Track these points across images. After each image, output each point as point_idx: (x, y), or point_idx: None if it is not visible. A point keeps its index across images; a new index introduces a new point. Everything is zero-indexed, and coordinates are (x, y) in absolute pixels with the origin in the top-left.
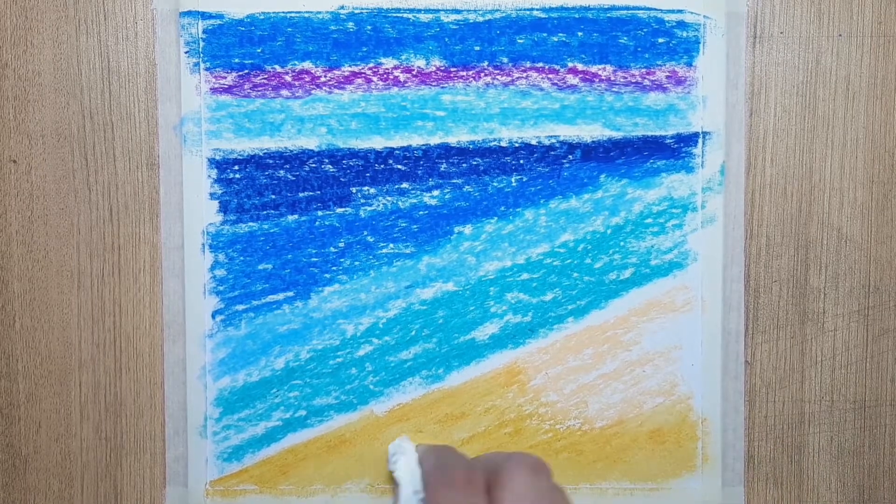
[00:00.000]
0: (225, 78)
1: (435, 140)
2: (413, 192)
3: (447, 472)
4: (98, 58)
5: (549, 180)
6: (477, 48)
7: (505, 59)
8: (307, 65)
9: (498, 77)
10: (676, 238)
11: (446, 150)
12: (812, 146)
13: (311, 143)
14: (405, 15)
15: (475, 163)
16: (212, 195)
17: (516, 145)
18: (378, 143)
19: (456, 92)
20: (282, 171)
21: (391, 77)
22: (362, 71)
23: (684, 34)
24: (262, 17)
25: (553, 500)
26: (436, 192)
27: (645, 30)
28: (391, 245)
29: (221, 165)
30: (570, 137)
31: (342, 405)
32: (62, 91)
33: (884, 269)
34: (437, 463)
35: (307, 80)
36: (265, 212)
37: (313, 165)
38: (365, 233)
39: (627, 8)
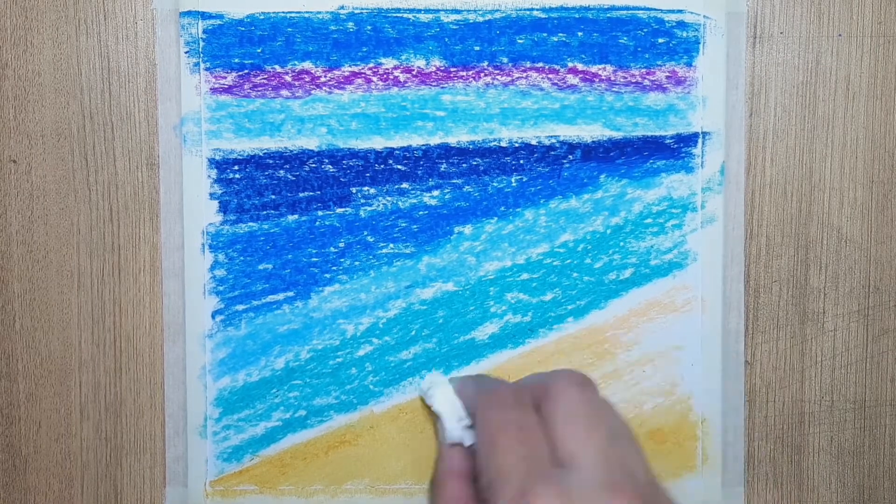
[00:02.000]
0: (225, 78)
1: (435, 140)
2: (413, 192)
3: (494, 394)
4: (98, 58)
5: (549, 180)
6: (477, 48)
7: (505, 59)
8: (307, 65)
9: (498, 77)
10: (676, 238)
11: (446, 151)
12: (812, 146)
13: (311, 143)
14: (405, 15)
15: (475, 163)
16: (212, 195)
17: (516, 145)
18: (378, 143)
19: (456, 92)
20: (282, 171)
21: (391, 77)
22: (362, 71)
23: (684, 34)
24: (262, 17)
25: (604, 412)
26: (436, 193)
27: (645, 30)
28: (391, 245)
29: (221, 165)
30: (570, 137)
31: (342, 405)
32: (62, 91)
33: (884, 269)
34: (481, 387)
35: (307, 80)
36: (265, 212)
37: (313, 165)
38: (365, 233)
39: (627, 8)
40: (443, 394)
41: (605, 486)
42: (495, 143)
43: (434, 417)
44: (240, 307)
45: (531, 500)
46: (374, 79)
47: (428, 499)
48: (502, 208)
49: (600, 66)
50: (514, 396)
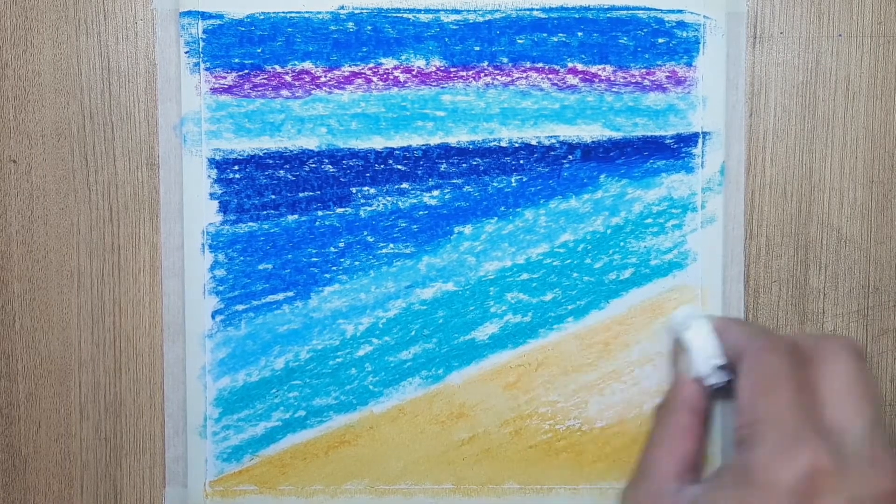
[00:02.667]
0: (225, 78)
1: (435, 140)
2: (413, 192)
3: (772, 339)
4: (98, 58)
5: (549, 180)
6: (477, 48)
7: (505, 59)
8: (307, 65)
9: (498, 77)
10: (676, 238)
11: (446, 151)
12: (812, 146)
13: (311, 143)
14: (405, 15)
15: (475, 163)
16: (212, 195)
17: (516, 145)
18: (378, 143)
19: (456, 92)
20: (282, 171)
21: (391, 77)
22: (362, 71)
23: (684, 34)
24: (262, 17)
25: (873, 387)
26: (436, 192)
27: (645, 30)
28: (391, 245)
29: (221, 165)
30: (570, 137)
31: (342, 405)
32: (62, 91)
33: (884, 269)
34: (753, 330)
35: (307, 80)
36: (265, 212)
37: (313, 165)
38: (365, 233)
39: (627, 8)
40: (700, 327)
41: (871, 462)
42: (495, 143)
43: (678, 348)
44: (240, 307)
45: (800, 449)
46: (374, 79)
47: (652, 423)
48: (502, 208)
49: (600, 67)
50: (792, 349)
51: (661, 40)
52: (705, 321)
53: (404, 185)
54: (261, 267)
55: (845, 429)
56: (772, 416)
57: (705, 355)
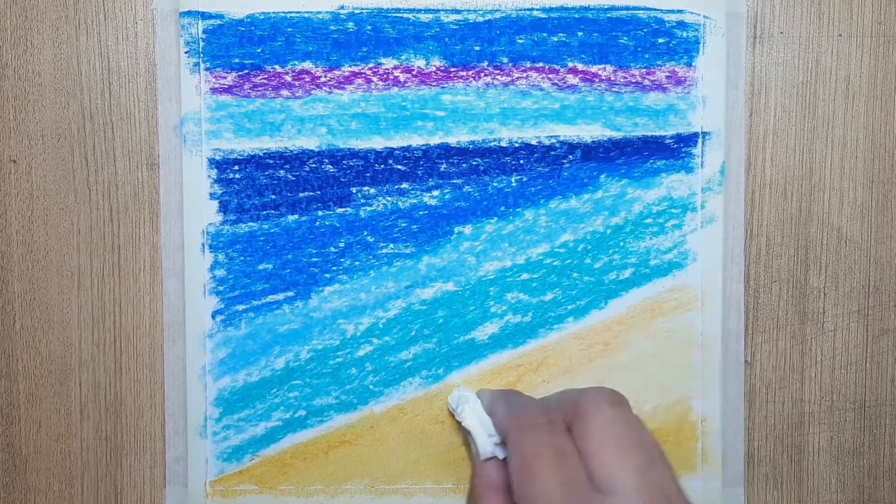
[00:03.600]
0: (225, 78)
1: (435, 140)
2: (413, 192)
3: (526, 416)
4: (98, 58)
5: (549, 180)
6: (477, 48)
7: (505, 59)
8: (307, 65)
9: (498, 77)
10: (676, 238)
11: (446, 150)
12: (812, 146)
13: (311, 143)
14: (405, 15)
15: (475, 163)
16: (212, 195)
17: (516, 145)
18: (378, 143)
19: (456, 92)
20: (282, 171)
21: (391, 77)
22: (362, 71)
23: (684, 34)
24: (262, 17)
25: (637, 432)
26: (436, 192)
27: (645, 30)
28: (391, 245)
29: (221, 165)
30: (570, 137)
31: (342, 405)
32: (62, 91)
33: (884, 269)
34: (512, 407)
35: (307, 80)
36: (265, 212)
37: (313, 165)
38: (365, 233)
39: (627, 8)
40: (472, 410)
41: None
42: (495, 143)
43: (465, 431)
44: (240, 307)
45: None
46: (374, 79)
47: None
48: (502, 208)
49: (600, 66)
50: (547, 417)
51: (661, 40)
52: (476, 401)
53: (404, 185)
54: (261, 267)
55: (615, 484)
56: (538, 498)
57: (485, 435)
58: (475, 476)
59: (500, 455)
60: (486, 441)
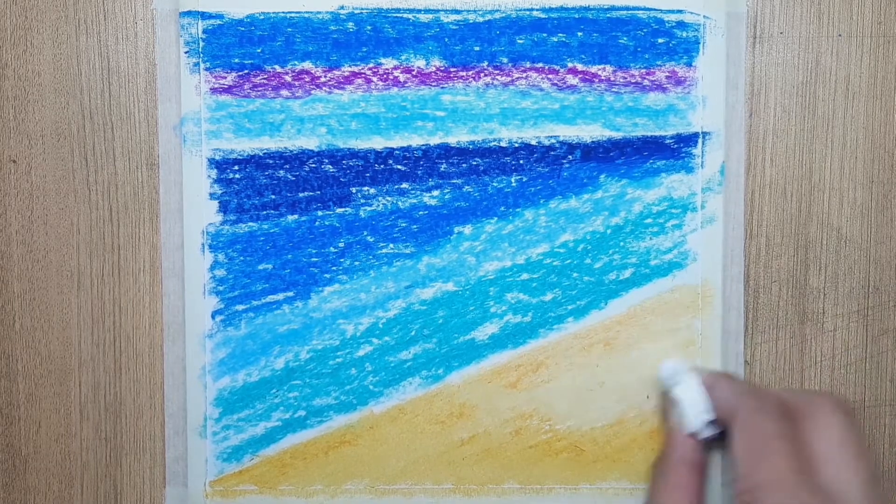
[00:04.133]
0: (225, 78)
1: (435, 140)
2: (413, 192)
3: (763, 399)
4: (98, 58)
5: (548, 180)
6: (477, 48)
7: (505, 60)
8: (307, 65)
9: (498, 77)
10: (676, 238)
11: (446, 151)
12: (812, 146)
13: (311, 143)
14: (405, 15)
15: (475, 163)
16: (212, 195)
17: (516, 145)
18: (378, 143)
19: (456, 92)
20: (282, 171)
21: (391, 77)
22: (362, 71)
23: (684, 34)
24: (262, 17)
25: (866, 447)
26: (436, 193)
27: (645, 30)
28: (391, 245)
29: (221, 165)
30: (570, 137)
31: (342, 405)
32: (62, 91)
33: (884, 269)
34: (741, 389)
35: (307, 80)
36: (265, 212)
37: (313, 165)
38: (365, 233)
39: (627, 8)
40: (689, 382)
41: None
42: (495, 143)
43: (668, 403)
44: (240, 307)
45: None
46: (374, 79)
47: (651, 481)
48: (502, 208)
49: (600, 67)
50: (780, 409)
51: (661, 40)
52: (694, 376)
53: (404, 185)
54: (261, 267)
55: (842, 489)
56: (771, 481)
57: (696, 411)
58: (669, 446)
59: (707, 433)
60: (695, 415)
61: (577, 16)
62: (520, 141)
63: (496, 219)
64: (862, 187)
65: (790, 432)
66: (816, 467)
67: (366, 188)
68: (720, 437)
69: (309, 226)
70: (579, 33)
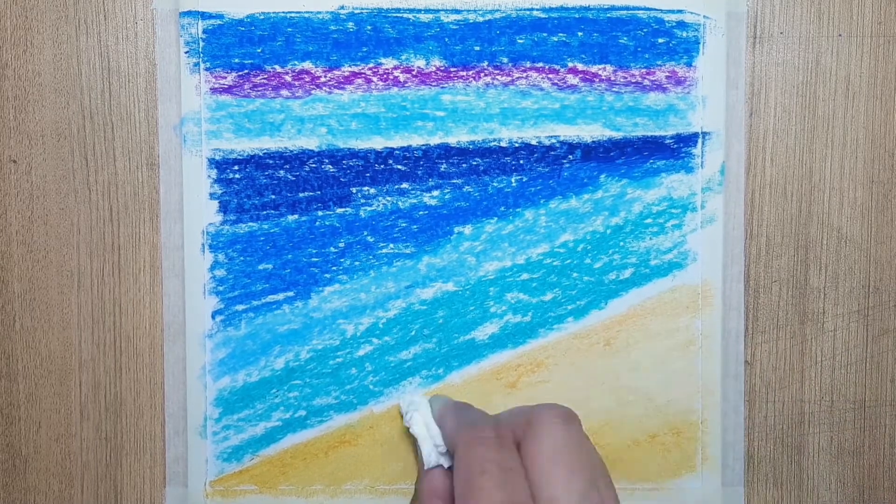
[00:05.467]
0: (225, 78)
1: (435, 140)
2: (413, 192)
3: (475, 430)
4: (98, 58)
5: (549, 180)
6: (477, 48)
7: (505, 59)
8: (307, 65)
9: (498, 77)
10: (676, 238)
11: (446, 151)
12: (812, 146)
13: (311, 143)
14: (405, 15)
15: (475, 163)
16: (212, 195)
17: (516, 145)
18: (378, 143)
19: (456, 92)
20: (282, 171)
21: (391, 77)
22: (362, 71)
23: (684, 34)
24: (262, 17)
25: (585, 452)
26: (436, 193)
27: (645, 30)
28: (391, 245)
29: (221, 165)
30: (570, 137)
31: (342, 405)
32: (62, 91)
33: (884, 269)
34: (462, 420)
35: (307, 80)
36: (265, 212)
37: (313, 165)
38: (365, 233)
39: (627, 8)
40: (421, 418)
41: None
42: (495, 143)
43: (412, 437)
44: (240, 307)
45: None
46: (374, 79)
47: None
48: (502, 208)
49: (600, 66)
50: (496, 433)
51: (661, 40)
52: (427, 408)
53: (404, 185)
54: (261, 267)
55: None
56: None
57: (432, 444)
58: (419, 482)
59: (445, 464)
60: (431, 449)
61: (577, 16)
62: (520, 141)
63: (496, 219)
64: (862, 187)
65: (504, 460)
66: (537, 487)
67: (366, 188)
68: None
69: (309, 226)
70: (579, 33)
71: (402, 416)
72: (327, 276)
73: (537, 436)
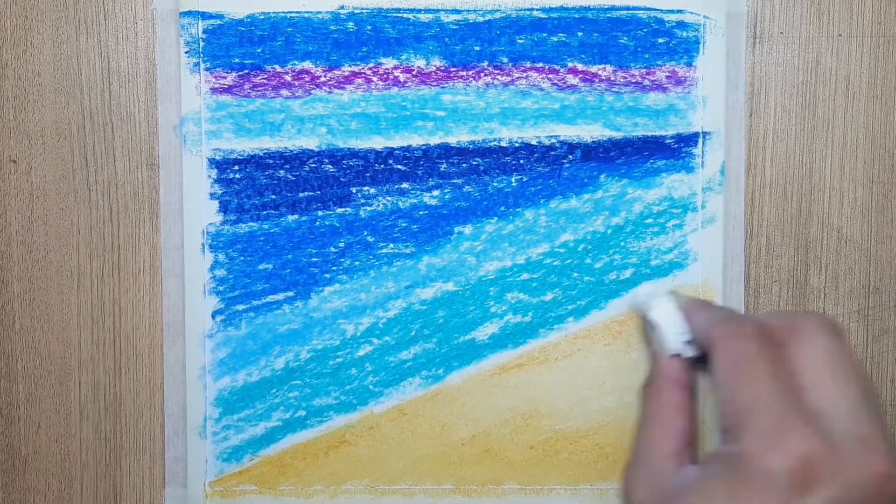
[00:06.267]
0: (225, 78)
1: (435, 140)
2: (413, 192)
3: (738, 325)
4: (98, 58)
5: (549, 180)
6: (477, 48)
7: (505, 59)
8: (307, 65)
9: (498, 77)
10: (676, 238)
11: (446, 150)
12: (812, 146)
13: (311, 143)
14: (405, 15)
15: (475, 163)
16: (212, 195)
17: (516, 145)
18: (378, 143)
19: (456, 92)
20: (282, 171)
21: (391, 77)
22: (362, 71)
23: (684, 34)
24: (262, 17)
25: (859, 367)
26: (436, 192)
27: (645, 30)
28: (391, 245)
29: (221, 165)
30: (570, 137)
31: (342, 405)
32: (62, 91)
33: (884, 269)
34: (716, 314)
35: (307, 80)
36: (265, 212)
37: (313, 165)
38: (365, 233)
39: (627, 8)
40: (665, 305)
41: (861, 444)
42: (495, 143)
43: (648, 326)
44: (240, 307)
45: (789, 436)
46: (374, 79)
47: (641, 404)
48: (502, 208)
49: (600, 66)
50: (759, 330)
51: (661, 40)
52: (670, 299)
53: (404, 185)
54: (261, 267)
55: (830, 411)
56: (755, 405)
57: (674, 332)
58: (655, 368)
59: (688, 353)
60: (674, 336)
61: (577, 16)
62: (520, 141)
63: (496, 219)
64: (862, 187)
65: (772, 355)
66: (803, 390)
67: (366, 188)
68: (702, 361)
69: (309, 226)
70: (579, 33)
71: (633, 308)
72: (327, 276)
73: (808, 340)
